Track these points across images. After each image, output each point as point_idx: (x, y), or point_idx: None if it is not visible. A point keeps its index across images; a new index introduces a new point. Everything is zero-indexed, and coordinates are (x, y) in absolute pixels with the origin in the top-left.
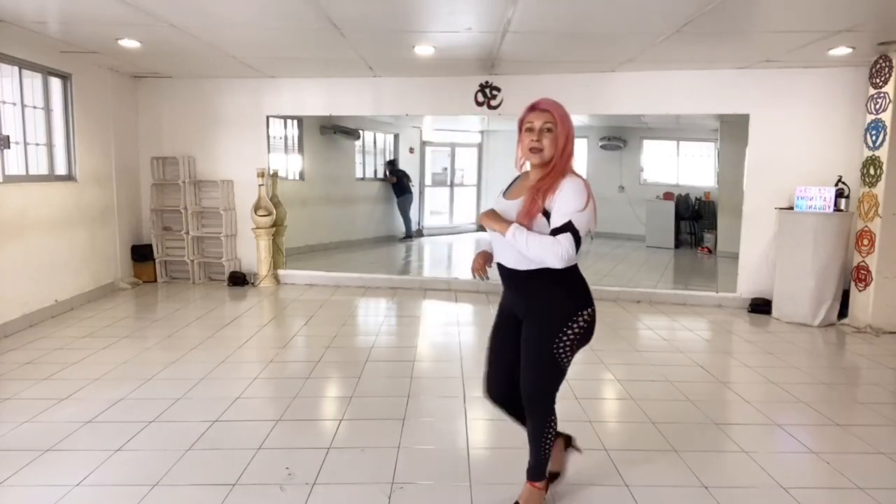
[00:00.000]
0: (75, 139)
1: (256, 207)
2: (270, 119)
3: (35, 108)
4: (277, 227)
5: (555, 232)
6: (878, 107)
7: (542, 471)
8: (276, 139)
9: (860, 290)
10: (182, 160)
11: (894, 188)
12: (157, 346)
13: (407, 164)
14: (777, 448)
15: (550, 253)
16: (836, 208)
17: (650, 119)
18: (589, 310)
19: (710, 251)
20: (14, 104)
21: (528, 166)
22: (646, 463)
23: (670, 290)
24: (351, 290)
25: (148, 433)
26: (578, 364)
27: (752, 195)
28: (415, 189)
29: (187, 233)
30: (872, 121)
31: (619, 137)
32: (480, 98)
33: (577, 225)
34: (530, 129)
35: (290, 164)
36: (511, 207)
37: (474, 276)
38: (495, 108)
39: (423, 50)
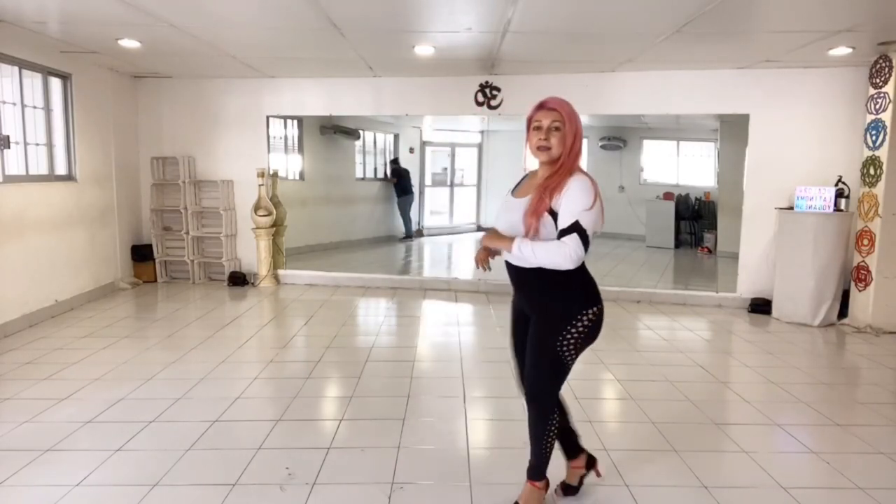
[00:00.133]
0: (75, 139)
1: (256, 207)
2: (270, 119)
3: (35, 108)
4: (277, 227)
5: (562, 233)
6: (878, 107)
7: (542, 470)
8: (276, 139)
9: (860, 290)
10: (182, 160)
11: (894, 188)
12: (157, 346)
13: (407, 164)
14: (777, 448)
15: (559, 256)
16: (836, 208)
17: (650, 119)
18: (595, 308)
19: (710, 251)
20: (14, 104)
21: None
22: (646, 463)
23: (670, 290)
24: (351, 290)
25: (148, 433)
26: (578, 364)
27: (752, 195)
28: (414, 189)
29: (187, 233)
30: (872, 121)
31: (619, 137)
32: (480, 98)
33: (585, 224)
34: (538, 128)
35: (290, 164)
36: (519, 205)
37: (477, 266)
38: (495, 108)
39: (423, 50)
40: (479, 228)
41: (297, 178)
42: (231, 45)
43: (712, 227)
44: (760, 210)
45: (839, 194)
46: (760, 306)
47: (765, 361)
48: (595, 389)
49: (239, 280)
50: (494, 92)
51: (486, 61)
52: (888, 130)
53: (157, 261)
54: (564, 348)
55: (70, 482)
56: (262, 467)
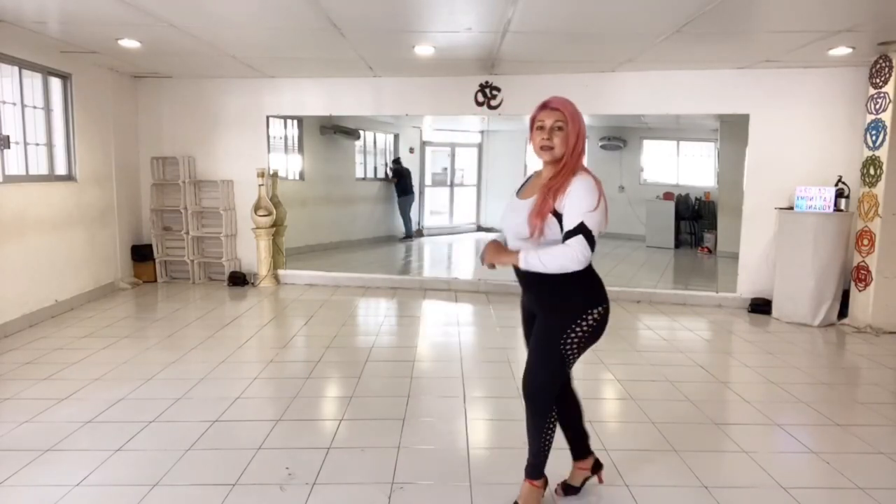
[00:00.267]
0: (75, 139)
1: (256, 207)
2: (270, 119)
3: (35, 108)
4: (277, 227)
5: (568, 234)
6: (878, 107)
7: (540, 468)
8: (276, 139)
9: (860, 290)
10: (182, 160)
11: (894, 188)
12: (157, 346)
13: (407, 164)
14: (777, 448)
15: (567, 260)
16: (836, 208)
17: (650, 119)
18: (600, 308)
19: (710, 251)
20: (14, 104)
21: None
22: (646, 463)
23: (670, 290)
24: (351, 290)
25: (148, 433)
26: (579, 364)
27: (752, 195)
28: (415, 189)
29: (187, 233)
30: (872, 121)
31: (619, 137)
32: (480, 98)
33: (590, 225)
34: (541, 128)
35: (290, 164)
36: (524, 206)
37: (482, 264)
38: (495, 108)
39: (423, 50)
40: (479, 228)
41: (297, 178)
42: (231, 45)
43: (712, 227)
44: (760, 210)
45: (839, 194)
46: (760, 306)
47: (765, 361)
48: (595, 389)
49: (239, 280)
50: (494, 92)
51: (486, 61)
52: (888, 130)
53: (157, 261)
54: (568, 346)
55: (70, 482)
56: (262, 467)
